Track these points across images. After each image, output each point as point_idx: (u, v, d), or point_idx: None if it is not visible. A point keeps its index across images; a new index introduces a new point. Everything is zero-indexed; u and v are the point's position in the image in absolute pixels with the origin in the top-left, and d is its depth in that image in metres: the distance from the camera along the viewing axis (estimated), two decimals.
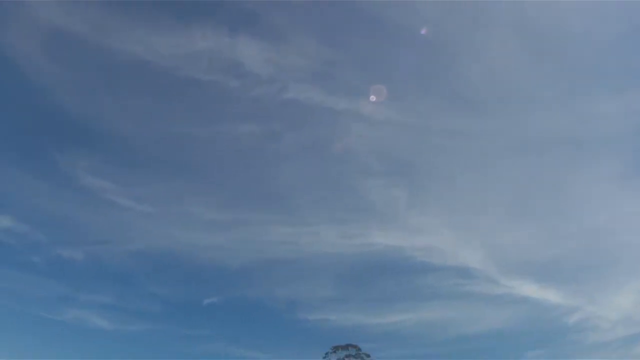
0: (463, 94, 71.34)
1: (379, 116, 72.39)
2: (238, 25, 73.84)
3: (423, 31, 69.06)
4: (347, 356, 44.99)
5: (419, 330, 63.04)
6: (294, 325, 64.38)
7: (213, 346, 64.75)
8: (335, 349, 44.70)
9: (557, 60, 71.83)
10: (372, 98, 69.94)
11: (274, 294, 69.03)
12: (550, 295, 62.21)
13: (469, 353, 60.50)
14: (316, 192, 74.40)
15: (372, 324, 61.98)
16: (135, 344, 66.35)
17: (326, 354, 44.63)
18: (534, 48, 71.38)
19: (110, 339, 65.99)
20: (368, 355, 45.91)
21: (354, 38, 73.68)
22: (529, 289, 62.68)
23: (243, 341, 64.21)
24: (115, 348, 65.90)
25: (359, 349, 45.38)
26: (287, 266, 70.12)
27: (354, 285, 69.18)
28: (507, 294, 63.63)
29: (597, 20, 68.03)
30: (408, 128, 72.99)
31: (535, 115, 72.92)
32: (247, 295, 69.59)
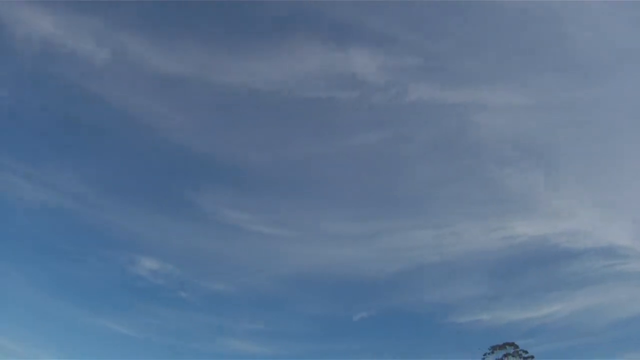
0: (576, 63, 66.80)
1: (499, 101, 70.87)
2: (343, 35, 75.27)
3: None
4: (505, 355, 44.46)
5: (573, 320, 59.81)
6: (446, 330, 64.33)
7: None
8: (493, 349, 44.43)
9: None
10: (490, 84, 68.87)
11: (423, 300, 69.09)
12: None
13: (629, 339, 56.09)
14: (452, 190, 73.78)
15: (523, 319, 60.13)
16: None
17: (484, 355, 44.48)
18: None
19: None
20: (526, 352, 45.01)
21: (457, 26, 72.48)
22: None
23: (397, 351, 65.15)
24: None
25: (517, 347, 44.66)
26: (433, 270, 69.89)
27: (502, 281, 67.30)
28: None
29: None
30: (530, 108, 70.20)
31: None
32: (396, 305, 70.45)
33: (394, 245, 72.76)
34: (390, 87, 73.01)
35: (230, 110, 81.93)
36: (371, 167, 79.67)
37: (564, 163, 71.02)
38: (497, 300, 65.02)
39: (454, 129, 74.44)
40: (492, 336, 54.27)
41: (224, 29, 78.62)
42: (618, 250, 59.72)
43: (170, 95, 79.95)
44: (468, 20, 71.57)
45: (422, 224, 71.88)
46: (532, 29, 70.56)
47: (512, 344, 44.64)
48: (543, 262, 65.62)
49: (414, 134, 77.11)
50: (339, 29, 74.59)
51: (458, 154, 74.99)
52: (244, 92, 77.22)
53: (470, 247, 68.24)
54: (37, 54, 74.86)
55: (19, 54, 73.71)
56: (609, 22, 64.36)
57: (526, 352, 44.91)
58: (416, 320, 67.43)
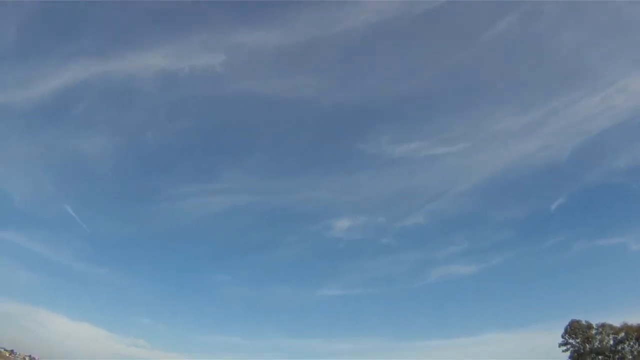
0: None
1: None
2: None
3: None
4: None
5: None
6: None
7: None
8: None
9: None
10: None
11: (610, 169, 61.22)
12: None
13: None
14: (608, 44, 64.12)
15: None
16: None
17: None
18: None
19: None
20: None
21: None
22: None
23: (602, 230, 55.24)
24: None
25: None
26: (608, 137, 59.12)
27: None
28: None
29: None
30: None
31: None
32: (586, 183, 64.07)
33: (561, 125, 69.64)
34: None
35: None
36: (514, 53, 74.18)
37: None
38: None
39: None
40: None
41: None
42: None
43: None
44: None
45: (583, 93, 64.97)
46: None
47: None
48: None
49: None
50: None
51: None
52: None
53: None
54: None
55: None
56: None
57: None
58: (610, 191, 61.26)
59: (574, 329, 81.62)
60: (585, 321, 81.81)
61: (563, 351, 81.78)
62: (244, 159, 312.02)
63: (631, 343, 77.63)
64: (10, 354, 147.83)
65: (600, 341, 79.54)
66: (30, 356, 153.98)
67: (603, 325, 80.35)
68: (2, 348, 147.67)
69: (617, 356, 77.73)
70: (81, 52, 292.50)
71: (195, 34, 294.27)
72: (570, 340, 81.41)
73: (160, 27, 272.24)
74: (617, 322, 79.98)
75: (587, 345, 79.55)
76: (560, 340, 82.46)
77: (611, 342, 79.28)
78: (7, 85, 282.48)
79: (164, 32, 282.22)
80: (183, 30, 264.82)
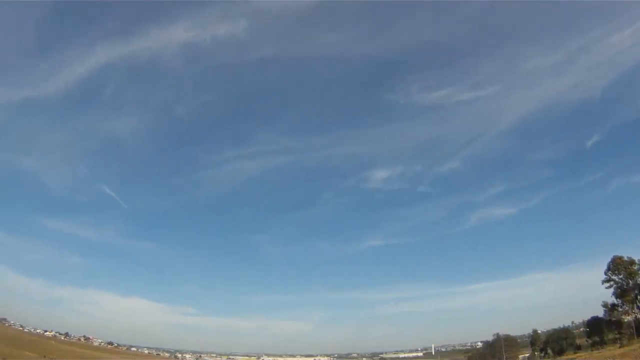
0: None
1: None
2: None
3: None
4: None
5: None
6: None
7: None
8: None
9: None
10: None
11: None
12: None
13: None
14: None
15: None
16: None
17: None
18: None
19: None
20: None
21: None
22: None
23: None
24: None
25: None
26: None
27: None
28: None
29: None
30: None
31: None
32: (623, 118, 67.33)
33: (593, 61, 69.51)
34: None
35: None
36: None
37: None
38: None
39: None
40: None
41: None
42: None
43: None
44: None
45: (613, 28, 64.84)
46: None
47: None
48: None
49: None
50: None
51: None
52: None
53: None
54: None
55: None
56: None
57: None
58: None
59: (616, 265, 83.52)
60: (628, 257, 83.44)
61: (606, 288, 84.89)
62: (276, 120, 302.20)
63: None
64: (65, 337, 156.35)
65: None
66: (84, 336, 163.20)
67: None
68: (56, 332, 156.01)
69: None
70: (103, 37, 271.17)
71: (213, 3, 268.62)
72: (614, 277, 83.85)
73: (178, 1, 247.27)
74: None
75: (630, 281, 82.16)
76: (603, 277, 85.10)
77: None
78: (33, 78, 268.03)
79: (183, 5, 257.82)
80: (201, 1, 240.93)
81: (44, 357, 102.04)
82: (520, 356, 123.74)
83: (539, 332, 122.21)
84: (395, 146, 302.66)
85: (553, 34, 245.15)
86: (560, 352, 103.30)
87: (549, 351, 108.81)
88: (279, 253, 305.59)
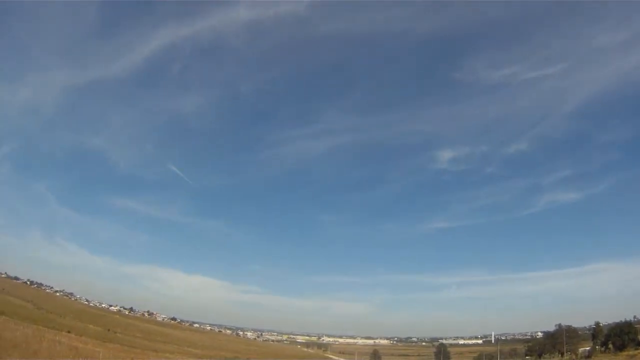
0: None
1: None
2: None
3: None
4: None
5: None
6: None
7: None
8: None
9: None
10: None
11: None
12: None
13: None
14: None
15: None
16: None
17: None
18: None
19: None
20: None
21: None
22: None
23: None
24: None
25: None
26: None
27: None
28: None
29: None
30: None
31: None
32: None
33: None
34: None
35: None
36: None
37: None
38: None
39: None
40: None
41: None
42: None
43: None
44: None
45: None
46: None
47: None
48: None
49: None
50: None
51: None
52: None
53: None
54: None
55: None
56: None
57: None
58: None
59: None
60: None
61: None
62: (341, 98, 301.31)
63: None
64: (129, 312, 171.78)
65: None
66: (148, 312, 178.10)
67: None
68: (121, 307, 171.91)
69: None
70: (167, 17, 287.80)
71: None
72: None
73: None
74: None
75: None
76: None
77: None
78: (99, 60, 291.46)
79: None
80: None
81: (108, 330, 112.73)
82: (580, 349, 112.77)
83: (601, 324, 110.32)
84: (462, 125, 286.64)
85: (621, 9, 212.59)
86: (621, 348, 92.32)
87: (610, 346, 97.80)
88: (343, 233, 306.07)
